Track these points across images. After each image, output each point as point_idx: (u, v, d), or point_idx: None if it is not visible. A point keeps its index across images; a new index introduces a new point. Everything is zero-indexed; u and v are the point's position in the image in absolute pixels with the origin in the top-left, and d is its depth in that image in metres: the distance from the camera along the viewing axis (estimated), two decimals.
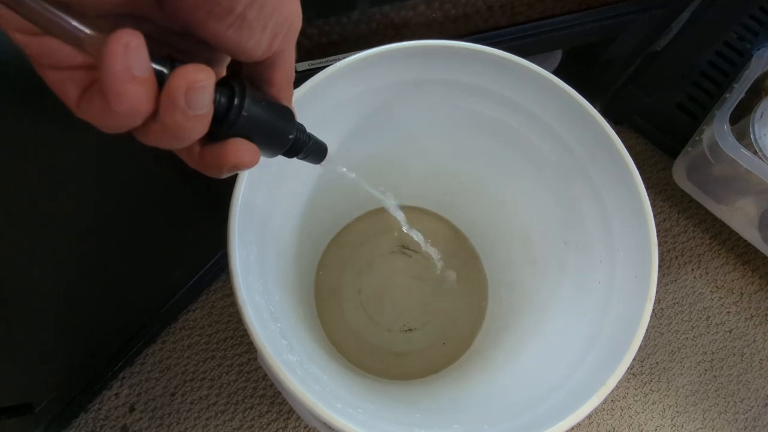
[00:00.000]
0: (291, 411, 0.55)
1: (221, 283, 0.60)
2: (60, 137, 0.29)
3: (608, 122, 0.74)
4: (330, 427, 0.24)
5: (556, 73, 0.64)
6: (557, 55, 0.59)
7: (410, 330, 0.52)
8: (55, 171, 0.30)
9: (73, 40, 0.12)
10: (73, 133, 0.29)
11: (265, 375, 0.56)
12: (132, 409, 0.54)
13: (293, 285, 0.42)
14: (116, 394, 0.54)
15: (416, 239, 0.40)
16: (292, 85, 0.17)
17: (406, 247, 0.54)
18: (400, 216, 0.37)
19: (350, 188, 0.46)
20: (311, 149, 0.20)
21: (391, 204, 0.34)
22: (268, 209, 0.32)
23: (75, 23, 0.11)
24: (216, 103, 0.15)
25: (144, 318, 0.53)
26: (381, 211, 0.55)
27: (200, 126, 0.14)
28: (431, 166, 0.47)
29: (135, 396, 0.55)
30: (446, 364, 0.49)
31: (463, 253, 0.53)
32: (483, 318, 0.50)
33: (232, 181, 0.32)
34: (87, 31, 0.12)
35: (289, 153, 0.20)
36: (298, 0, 0.15)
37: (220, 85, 0.15)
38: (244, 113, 0.15)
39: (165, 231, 0.47)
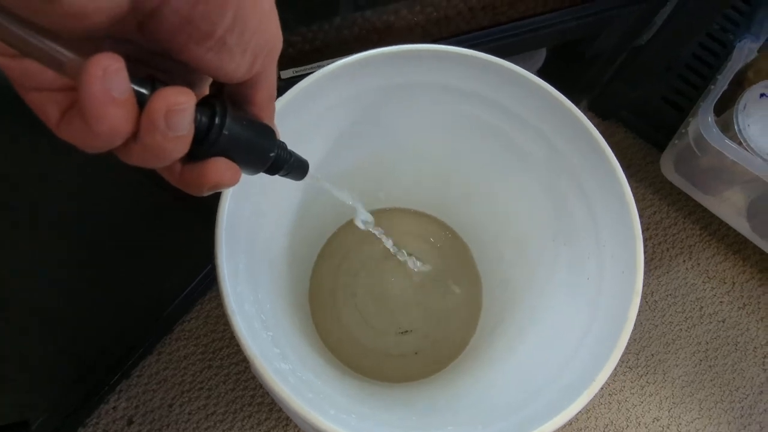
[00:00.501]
0: (289, 418, 0.55)
1: (215, 293, 0.59)
2: (52, 147, 0.29)
3: (596, 117, 0.74)
4: None
5: (541, 70, 0.65)
6: (542, 53, 0.59)
7: (406, 332, 0.52)
8: (41, 186, 0.30)
9: (53, 63, 0.12)
10: (59, 146, 0.29)
11: None
12: (130, 422, 0.54)
13: (286, 292, 0.42)
14: (114, 408, 0.54)
15: (387, 245, 0.41)
16: (273, 104, 0.18)
17: (398, 250, 0.55)
18: (371, 226, 0.38)
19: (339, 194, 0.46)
20: (292, 166, 0.20)
21: (361, 215, 0.35)
22: (257, 219, 0.33)
23: (55, 47, 0.12)
24: (197, 123, 0.15)
25: (139, 330, 0.53)
26: (373, 215, 0.55)
27: (180, 146, 0.14)
28: (421, 168, 0.47)
29: (133, 408, 0.55)
30: (443, 365, 0.50)
31: (457, 253, 0.54)
32: (478, 317, 0.50)
33: (221, 192, 0.32)
34: (67, 54, 0.12)
35: (271, 170, 0.20)
36: (278, 23, 0.15)
37: (201, 104, 0.15)
38: (225, 132, 0.16)
39: (157, 241, 0.47)
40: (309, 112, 0.34)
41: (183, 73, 0.16)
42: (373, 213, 0.55)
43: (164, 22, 0.12)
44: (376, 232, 0.41)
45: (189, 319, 0.58)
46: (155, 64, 0.16)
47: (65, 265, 0.37)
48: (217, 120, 0.15)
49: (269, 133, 0.18)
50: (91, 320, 0.45)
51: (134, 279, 0.47)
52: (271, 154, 0.18)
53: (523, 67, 0.34)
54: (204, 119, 0.15)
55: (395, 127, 0.42)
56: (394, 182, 0.51)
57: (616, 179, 0.30)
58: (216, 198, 0.35)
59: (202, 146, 0.15)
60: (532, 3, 0.43)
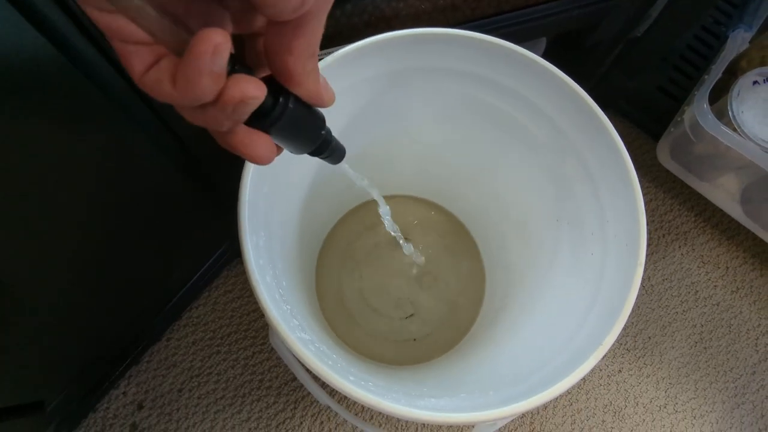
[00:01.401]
0: (297, 401, 0.56)
1: (222, 280, 0.60)
2: (58, 138, 0.29)
3: None
4: (338, 403, 0.25)
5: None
6: (542, 43, 0.61)
7: (411, 316, 0.53)
8: (55, 173, 0.31)
9: (149, 30, 0.13)
10: (72, 134, 0.30)
11: (271, 367, 0.57)
12: (140, 407, 0.55)
13: (296, 274, 0.43)
14: (124, 393, 0.55)
15: (397, 238, 0.41)
16: (315, 58, 0.17)
17: (403, 236, 0.56)
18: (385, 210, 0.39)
19: (346, 181, 0.47)
20: (333, 150, 0.21)
21: (381, 208, 0.36)
22: (274, 198, 0.34)
23: (153, 14, 0.13)
24: (262, 105, 0.16)
25: (149, 316, 0.54)
26: (373, 202, 0.56)
27: (236, 123, 0.15)
28: (425, 154, 0.48)
29: (143, 393, 0.55)
30: (449, 347, 0.51)
31: (460, 238, 0.55)
32: (482, 300, 0.52)
33: (230, 177, 0.33)
34: (166, 23, 0.13)
35: (315, 152, 0.21)
36: None
37: (269, 83, 0.16)
38: (285, 118, 0.17)
39: (166, 230, 0.47)
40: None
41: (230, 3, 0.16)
42: (374, 201, 0.56)
43: None
44: (390, 225, 0.42)
45: (197, 306, 0.59)
46: None
47: (77, 251, 0.38)
48: (278, 106, 0.16)
49: (320, 117, 0.19)
50: (102, 306, 0.45)
51: (144, 266, 0.48)
52: (320, 138, 0.20)
53: None
54: (268, 101, 0.16)
55: (401, 112, 0.43)
56: (398, 169, 0.52)
57: (620, 157, 0.32)
58: (225, 182, 0.36)
59: (262, 124, 0.16)
60: None
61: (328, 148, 0.21)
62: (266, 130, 0.17)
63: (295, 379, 0.57)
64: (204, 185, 0.47)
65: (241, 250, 0.27)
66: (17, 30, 0.23)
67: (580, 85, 0.35)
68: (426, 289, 0.54)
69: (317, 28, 0.16)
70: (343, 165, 0.25)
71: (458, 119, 0.42)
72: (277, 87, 0.17)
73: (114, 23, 0.14)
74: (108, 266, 0.43)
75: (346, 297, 0.53)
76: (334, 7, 0.39)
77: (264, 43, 0.16)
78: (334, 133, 0.21)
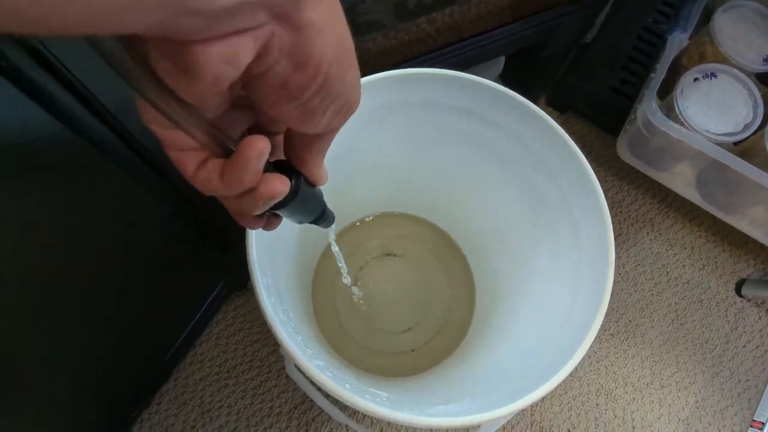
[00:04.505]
0: (309, 422, 0.58)
1: (222, 315, 0.62)
2: (64, 197, 0.31)
3: (554, 111, 0.80)
4: (357, 422, 0.27)
5: (503, 74, 0.71)
6: (501, 60, 0.65)
7: (409, 329, 0.56)
8: (66, 237, 0.33)
9: (200, 140, 0.16)
10: (79, 201, 0.32)
11: (279, 393, 0.59)
12: None
13: (299, 304, 0.45)
14: None
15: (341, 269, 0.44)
16: (325, 153, 0.20)
17: (390, 253, 0.59)
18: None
19: (333, 206, 0.50)
20: (327, 217, 0.25)
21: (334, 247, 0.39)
22: (274, 239, 0.36)
23: (203, 128, 0.16)
24: None
25: (157, 361, 0.55)
26: (361, 223, 0.59)
27: (264, 208, 0.19)
28: (408, 175, 0.51)
29: None
30: (447, 354, 0.54)
31: (448, 250, 0.58)
32: (474, 307, 0.55)
33: (227, 218, 0.35)
34: (217, 134, 0.16)
35: (314, 221, 0.25)
36: (358, 90, 0.18)
37: (281, 169, 0.19)
38: (296, 199, 0.20)
39: (169, 276, 0.49)
40: None
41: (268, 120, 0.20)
42: (369, 218, 0.59)
43: (264, 84, 0.15)
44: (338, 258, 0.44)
45: (200, 343, 0.61)
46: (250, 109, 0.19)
47: (89, 311, 0.39)
48: (291, 189, 0.19)
49: (320, 193, 0.23)
50: (112, 358, 0.47)
51: (149, 313, 0.49)
52: (321, 209, 0.24)
53: (485, 74, 0.39)
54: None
55: (384, 142, 0.46)
56: (385, 189, 0.55)
57: (581, 165, 0.36)
58: (223, 224, 0.38)
59: (275, 207, 0.20)
60: (491, 19, 0.49)
61: (324, 217, 0.24)
62: (281, 209, 0.20)
63: (304, 402, 0.59)
64: (201, 229, 0.49)
65: (255, 293, 0.30)
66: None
67: (541, 92, 0.39)
68: (420, 299, 0.57)
69: (333, 137, 0.19)
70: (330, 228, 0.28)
71: (437, 144, 0.46)
72: (289, 170, 0.20)
73: (172, 136, 0.17)
74: (117, 319, 0.44)
75: (342, 318, 0.55)
76: None
77: (285, 137, 0.20)
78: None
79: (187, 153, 0.17)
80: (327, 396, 0.33)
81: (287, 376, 0.60)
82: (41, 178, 0.29)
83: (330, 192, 0.42)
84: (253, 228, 0.22)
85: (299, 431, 0.58)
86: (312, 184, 0.21)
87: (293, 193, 0.19)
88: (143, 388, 0.55)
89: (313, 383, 0.32)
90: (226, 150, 0.17)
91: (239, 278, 0.61)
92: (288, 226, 0.45)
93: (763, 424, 0.61)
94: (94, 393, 0.47)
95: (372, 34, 0.42)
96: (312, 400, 0.42)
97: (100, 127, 0.30)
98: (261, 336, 0.61)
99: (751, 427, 0.62)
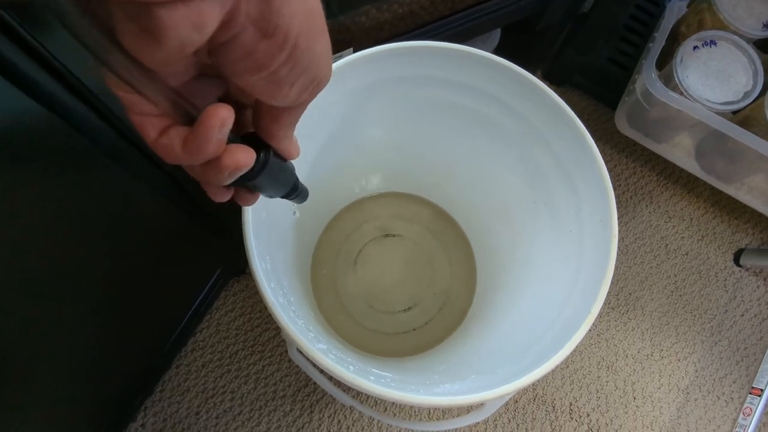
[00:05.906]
0: (313, 404, 0.59)
1: (222, 301, 0.62)
2: (57, 188, 0.30)
3: (551, 85, 0.79)
4: (361, 402, 0.27)
5: (498, 48, 0.69)
6: (497, 33, 0.63)
7: (409, 309, 0.55)
8: (63, 227, 0.32)
9: (160, 106, 0.16)
10: (75, 187, 0.31)
11: (282, 377, 0.59)
12: None
13: (299, 287, 0.45)
14: (143, 425, 0.56)
15: None
16: (293, 126, 0.20)
17: (389, 233, 0.58)
18: None
19: (329, 187, 0.49)
20: (299, 192, 0.25)
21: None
22: (270, 223, 0.35)
23: (165, 94, 0.15)
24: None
25: (158, 348, 0.55)
26: (359, 203, 0.58)
27: (230, 179, 0.18)
28: (406, 154, 0.50)
29: (161, 422, 0.57)
30: (449, 333, 0.54)
31: (448, 228, 0.57)
32: (475, 283, 0.55)
33: (222, 204, 0.35)
34: (179, 101, 0.16)
35: (286, 196, 0.24)
36: (329, 62, 0.17)
37: (250, 142, 0.19)
38: (264, 172, 0.19)
39: (168, 263, 0.48)
40: (317, 107, 0.37)
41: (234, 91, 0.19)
42: (366, 198, 0.58)
43: (230, 52, 0.15)
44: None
45: (200, 330, 0.60)
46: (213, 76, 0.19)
47: (90, 300, 0.39)
48: (259, 162, 0.19)
49: (291, 167, 0.22)
50: (113, 346, 0.46)
51: (150, 301, 0.49)
52: (292, 184, 0.23)
53: (482, 47, 0.38)
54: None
55: (380, 119, 0.45)
56: (382, 169, 0.54)
57: (583, 139, 0.35)
58: (217, 210, 0.38)
59: (244, 179, 0.19)
60: None
61: (296, 192, 0.24)
62: (250, 182, 0.19)
63: (307, 384, 0.59)
64: (197, 215, 0.48)
65: (254, 279, 0.29)
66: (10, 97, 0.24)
67: (538, 65, 0.38)
68: (420, 279, 0.56)
69: (302, 110, 0.19)
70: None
71: (435, 120, 0.45)
72: (258, 143, 0.19)
73: (134, 100, 0.16)
74: (115, 308, 0.43)
75: (343, 299, 0.55)
76: None
77: (254, 109, 0.19)
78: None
79: (149, 118, 0.17)
80: (330, 378, 0.32)
81: (290, 360, 0.60)
82: (32, 168, 0.28)
83: (325, 173, 0.41)
84: (221, 200, 0.21)
85: (304, 414, 0.58)
86: (283, 158, 0.21)
87: (261, 166, 0.19)
88: (144, 375, 0.55)
89: (316, 366, 0.32)
90: (190, 118, 0.16)
91: (237, 264, 0.61)
92: (283, 209, 0.44)
93: (762, 390, 0.61)
94: (95, 383, 0.47)
95: (364, 7, 0.41)
96: (315, 383, 0.42)
97: (87, 114, 0.29)
98: (262, 321, 0.61)
99: (750, 394, 0.63)
